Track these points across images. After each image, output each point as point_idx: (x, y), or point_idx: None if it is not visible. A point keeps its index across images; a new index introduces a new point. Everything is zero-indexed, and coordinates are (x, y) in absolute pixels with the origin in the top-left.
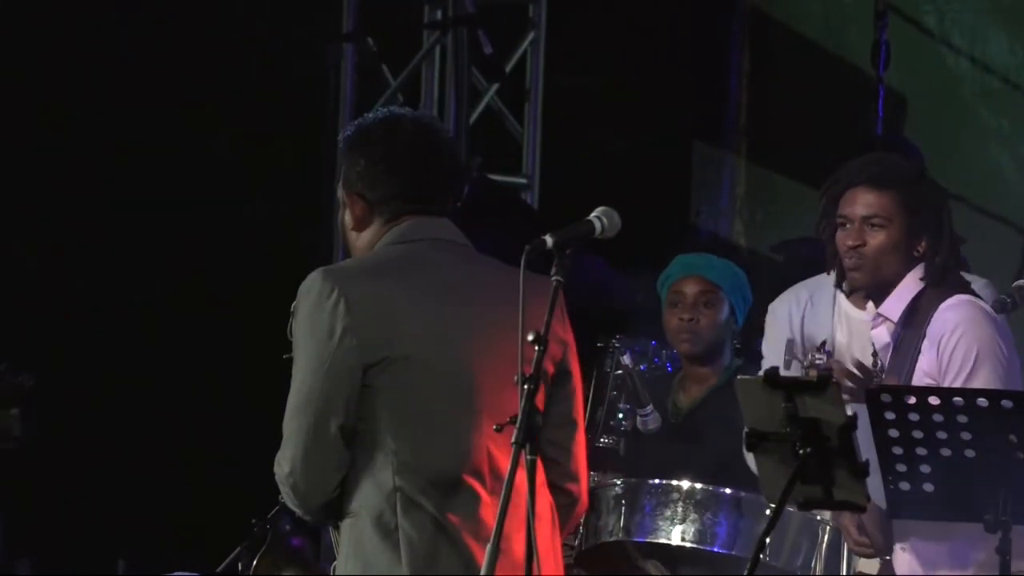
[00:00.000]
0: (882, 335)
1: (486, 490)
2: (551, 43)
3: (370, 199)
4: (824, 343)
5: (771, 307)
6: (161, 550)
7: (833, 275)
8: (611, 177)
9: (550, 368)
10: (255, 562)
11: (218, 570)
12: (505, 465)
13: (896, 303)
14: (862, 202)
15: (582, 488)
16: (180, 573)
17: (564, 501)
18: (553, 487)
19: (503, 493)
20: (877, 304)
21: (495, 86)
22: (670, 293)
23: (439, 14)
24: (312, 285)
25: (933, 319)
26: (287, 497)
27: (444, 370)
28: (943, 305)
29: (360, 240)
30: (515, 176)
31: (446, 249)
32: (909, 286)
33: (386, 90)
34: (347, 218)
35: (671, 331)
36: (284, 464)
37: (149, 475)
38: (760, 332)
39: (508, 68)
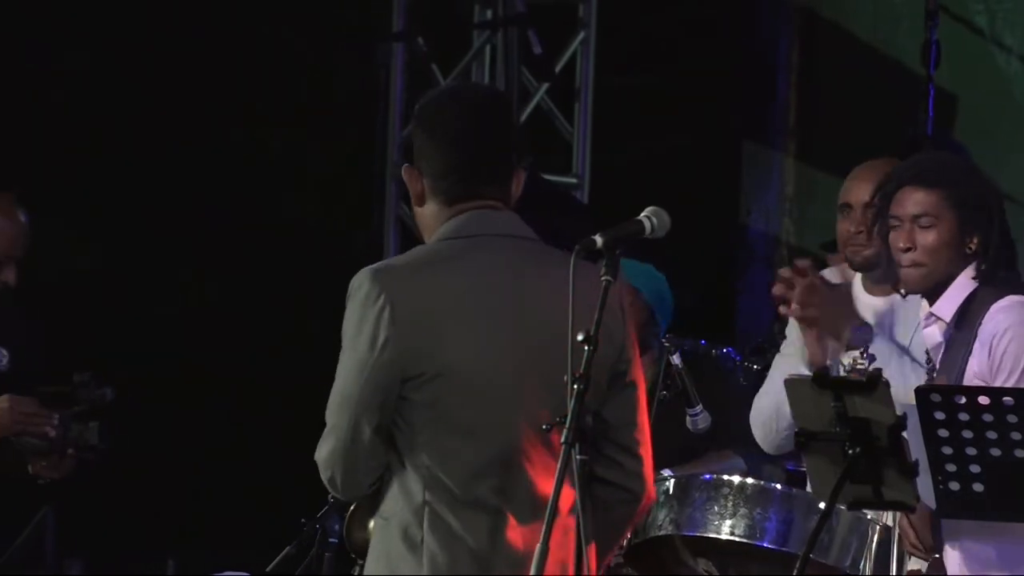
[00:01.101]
0: (934, 334)
1: (515, 512)
2: (601, 43)
3: (426, 173)
4: (867, 348)
5: None
6: (211, 549)
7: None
8: (660, 177)
9: (600, 372)
10: (348, 516)
11: (268, 570)
12: (541, 485)
13: (949, 303)
14: (911, 201)
15: (645, 486)
16: (230, 573)
17: (623, 497)
18: (612, 485)
19: (553, 491)
20: (931, 302)
21: (545, 86)
22: None
23: (489, 14)
24: (361, 285)
25: (985, 320)
26: (325, 483)
27: (483, 387)
28: (995, 306)
29: (423, 217)
30: (565, 176)
31: (503, 246)
32: (962, 285)
33: (501, 88)
34: (411, 194)
35: None
36: (323, 450)
37: (199, 474)
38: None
39: (558, 68)
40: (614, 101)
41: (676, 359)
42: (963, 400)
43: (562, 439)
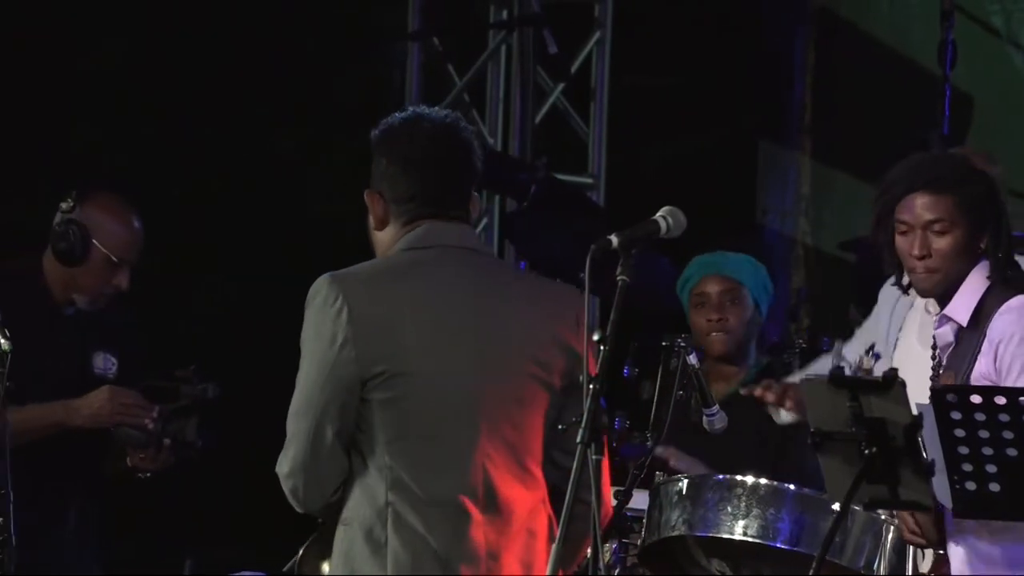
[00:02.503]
0: (946, 335)
1: (479, 509)
2: (616, 43)
3: (388, 198)
4: (873, 346)
5: (886, 283)
6: (228, 549)
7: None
8: (676, 177)
9: (557, 380)
10: (300, 553)
11: (284, 569)
12: (501, 484)
13: (963, 305)
14: (923, 206)
15: (603, 499)
16: (247, 572)
17: (579, 511)
18: (558, 492)
19: (568, 491)
20: (941, 303)
21: (561, 86)
22: (693, 295)
23: (505, 14)
24: (319, 289)
25: (993, 321)
26: (288, 496)
27: (443, 387)
28: (1003, 307)
29: (381, 240)
30: (580, 176)
31: (461, 258)
32: (974, 287)
33: (451, 90)
34: (370, 218)
35: (700, 332)
36: (284, 464)
37: (216, 474)
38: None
39: (574, 68)
40: (630, 101)
41: (692, 359)
42: (979, 400)
43: (578, 439)
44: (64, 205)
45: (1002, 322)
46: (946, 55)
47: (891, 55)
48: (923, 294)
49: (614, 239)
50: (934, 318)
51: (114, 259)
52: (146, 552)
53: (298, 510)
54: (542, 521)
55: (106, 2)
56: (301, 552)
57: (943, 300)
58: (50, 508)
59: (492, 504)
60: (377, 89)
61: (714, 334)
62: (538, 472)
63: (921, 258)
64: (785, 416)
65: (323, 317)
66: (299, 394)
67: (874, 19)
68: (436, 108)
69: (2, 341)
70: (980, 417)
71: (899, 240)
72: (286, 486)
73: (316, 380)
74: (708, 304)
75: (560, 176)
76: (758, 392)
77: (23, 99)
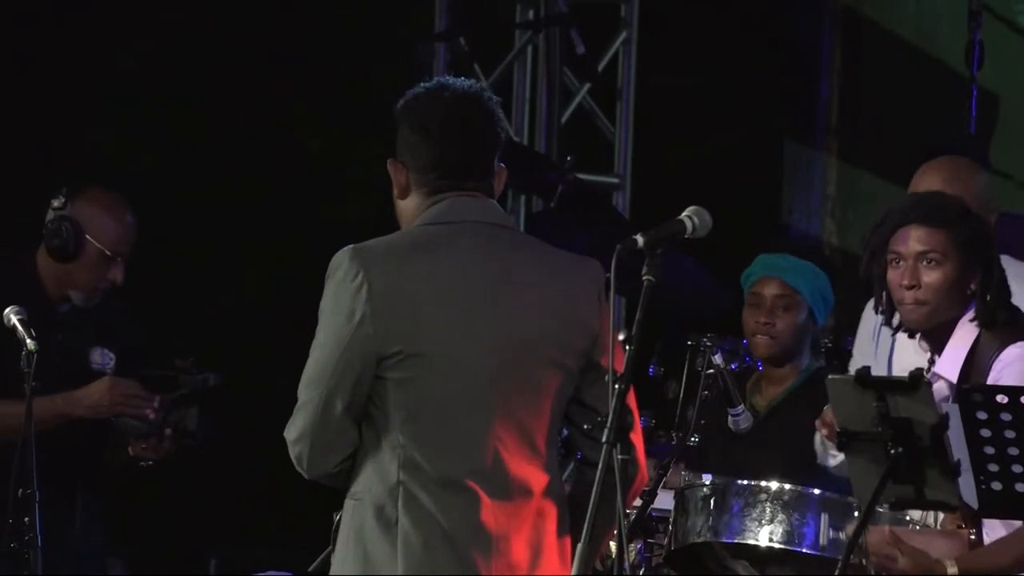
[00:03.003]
0: (941, 390)
1: (489, 491)
2: (643, 43)
3: (411, 167)
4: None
5: (869, 303)
6: (253, 549)
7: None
8: (702, 177)
9: (575, 362)
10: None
11: (310, 569)
12: (513, 466)
13: (953, 359)
14: (916, 238)
15: (637, 468)
16: (272, 572)
17: (614, 482)
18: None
19: (594, 488)
20: (930, 344)
21: (587, 86)
22: (750, 294)
23: (531, 14)
24: (340, 263)
25: (992, 375)
26: (294, 462)
27: (459, 369)
28: (1001, 359)
29: (404, 209)
30: (607, 176)
31: (482, 233)
32: (963, 337)
33: (484, 84)
34: (394, 187)
35: (748, 331)
36: (292, 430)
37: (242, 474)
38: (851, 331)
39: (600, 68)
40: (656, 101)
41: (718, 359)
42: (1005, 400)
43: (603, 439)
44: (55, 202)
45: (1012, 371)
46: (973, 55)
47: (917, 55)
48: (910, 326)
49: (640, 239)
50: (925, 367)
51: (108, 253)
52: (172, 551)
53: (304, 476)
54: (551, 504)
55: (132, 2)
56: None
57: (930, 340)
58: (54, 502)
59: (503, 486)
60: (404, 89)
61: (759, 336)
62: (550, 454)
63: (910, 288)
64: (832, 459)
65: (343, 291)
66: (312, 363)
67: (900, 19)
68: (461, 78)
69: (28, 341)
70: (1006, 417)
71: (890, 273)
72: (292, 451)
73: (332, 353)
74: (761, 306)
75: (586, 176)
76: (817, 423)
77: (46, 100)
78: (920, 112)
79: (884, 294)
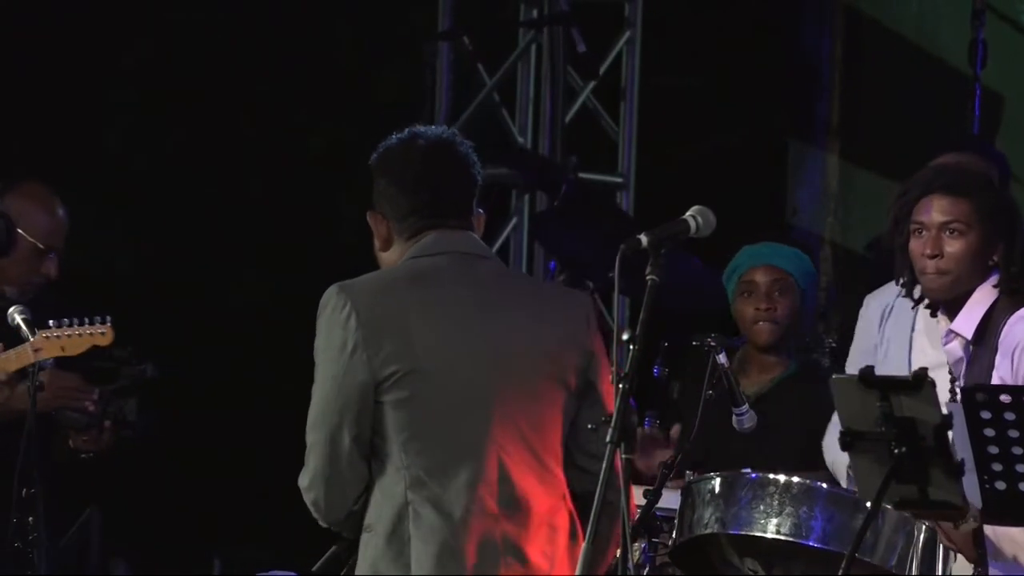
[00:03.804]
0: (955, 350)
1: (496, 502)
2: (646, 42)
3: (390, 217)
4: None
5: (866, 299)
6: (257, 549)
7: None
8: (706, 176)
9: (572, 378)
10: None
11: (313, 569)
12: (519, 477)
13: (968, 318)
14: (939, 208)
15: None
16: (276, 572)
17: (608, 511)
18: (585, 496)
19: (598, 491)
20: (949, 315)
21: (591, 85)
22: (740, 283)
23: (535, 13)
24: (328, 300)
25: (1004, 331)
26: (311, 510)
27: (455, 383)
28: (1015, 316)
29: (387, 260)
30: (610, 175)
31: (466, 263)
32: (981, 300)
33: (481, 89)
34: (375, 239)
35: (746, 321)
36: (305, 476)
37: (245, 474)
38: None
39: (603, 67)
40: (660, 100)
41: (722, 358)
42: (1008, 399)
43: (607, 438)
44: None
45: (1014, 331)
46: (977, 55)
47: (920, 54)
48: (931, 296)
49: (644, 238)
50: (941, 334)
51: (40, 247)
52: (175, 552)
53: (321, 523)
54: (563, 517)
55: (138, 2)
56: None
57: (951, 311)
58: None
59: (510, 497)
60: (408, 89)
61: (761, 323)
62: (558, 470)
63: (932, 257)
64: None
65: (332, 325)
66: (315, 405)
67: (902, 18)
68: (433, 126)
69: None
70: (1010, 416)
71: (913, 242)
72: (307, 499)
73: (331, 389)
74: (756, 293)
75: (590, 176)
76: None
77: (53, 99)
78: (923, 112)
79: (906, 265)
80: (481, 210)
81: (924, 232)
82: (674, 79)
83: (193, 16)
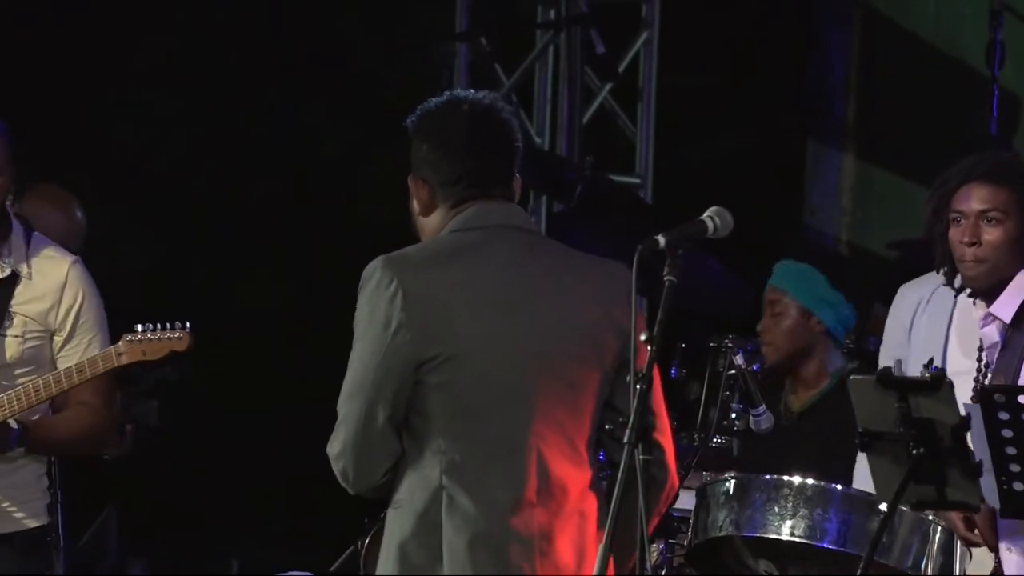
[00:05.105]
0: (992, 334)
1: (533, 491)
2: (664, 42)
3: (432, 183)
4: (931, 360)
5: (901, 289)
6: (275, 549)
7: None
8: (723, 176)
9: (609, 360)
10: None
11: (331, 569)
12: (555, 466)
13: (1008, 303)
14: (977, 197)
15: (667, 473)
16: (294, 572)
17: (629, 511)
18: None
19: (617, 489)
20: (987, 303)
21: (608, 86)
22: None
23: (552, 14)
24: (373, 273)
25: None
26: (338, 478)
27: (497, 370)
28: None
29: (428, 225)
30: (628, 176)
31: (511, 238)
32: (1021, 286)
33: (499, 90)
34: (414, 204)
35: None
36: (335, 444)
37: (263, 474)
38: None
39: (621, 68)
40: (677, 101)
41: (739, 359)
42: None
43: (624, 439)
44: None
45: None
46: (995, 55)
47: (937, 54)
48: (970, 284)
49: (661, 239)
50: (979, 319)
51: None
52: (194, 552)
53: (349, 491)
54: (592, 503)
55: (155, 2)
56: (365, 545)
57: (990, 299)
58: None
59: (546, 486)
60: (425, 89)
61: (763, 347)
62: (588, 453)
63: (971, 244)
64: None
65: (377, 300)
66: (351, 376)
67: (920, 18)
68: (472, 90)
69: None
70: None
71: (952, 231)
72: (336, 467)
73: (370, 363)
74: (763, 315)
75: (608, 176)
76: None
77: (70, 98)
78: (940, 112)
79: (946, 254)
80: (519, 175)
81: (962, 220)
82: (691, 79)
83: (208, 16)
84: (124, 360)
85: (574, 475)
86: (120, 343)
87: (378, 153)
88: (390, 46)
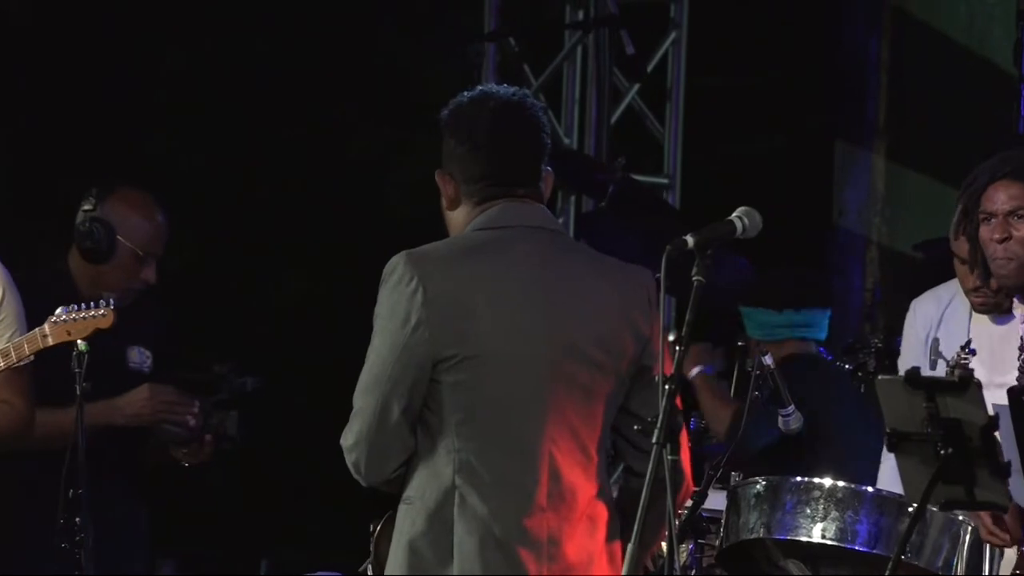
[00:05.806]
0: None
1: (544, 495)
2: (692, 43)
3: (459, 179)
4: (969, 342)
5: (912, 304)
6: (304, 550)
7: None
8: (752, 177)
9: (625, 366)
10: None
11: (360, 569)
12: (566, 470)
13: None
14: (1006, 195)
15: (682, 476)
16: (323, 573)
17: (660, 489)
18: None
19: (645, 490)
20: (1023, 300)
21: (636, 86)
22: None
23: (581, 14)
24: (395, 268)
25: None
26: (350, 469)
27: (514, 372)
28: None
29: (454, 220)
30: (656, 176)
31: (534, 238)
32: None
33: (527, 90)
34: (443, 199)
35: None
36: (349, 437)
37: (292, 475)
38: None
39: (649, 68)
40: (706, 101)
41: (768, 359)
42: None
43: (653, 439)
44: (86, 204)
45: None
46: (1021, 55)
47: (967, 55)
48: (1003, 282)
49: (690, 239)
50: (1019, 318)
51: (140, 253)
52: (223, 552)
53: (361, 483)
54: (601, 508)
55: (181, 5)
56: (378, 528)
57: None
58: (94, 508)
59: (557, 490)
60: (453, 90)
61: None
62: (600, 458)
63: (1002, 241)
64: None
65: (398, 296)
66: (368, 369)
67: (949, 19)
68: (504, 85)
69: (79, 342)
70: None
71: (982, 230)
72: (349, 459)
73: (387, 358)
74: None
75: (635, 177)
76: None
77: (97, 105)
78: (969, 112)
79: (977, 250)
80: (549, 167)
81: (992, 220)
82: (720, 80)
83: (237, 18)
84: (50, 341)
85: (585, 480)
86: (45, 325)
87: (408, 155)
88: (419, 46)
